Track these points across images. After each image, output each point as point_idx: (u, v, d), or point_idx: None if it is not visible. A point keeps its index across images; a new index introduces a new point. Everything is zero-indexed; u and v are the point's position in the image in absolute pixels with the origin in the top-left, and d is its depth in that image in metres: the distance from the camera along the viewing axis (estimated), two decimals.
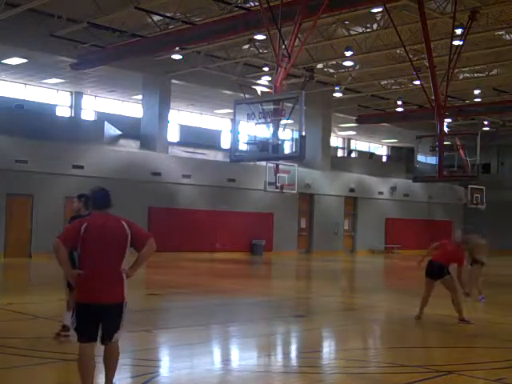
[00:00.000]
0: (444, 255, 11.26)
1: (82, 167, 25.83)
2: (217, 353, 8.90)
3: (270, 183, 27.67)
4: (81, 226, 5.66)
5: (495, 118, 39.33)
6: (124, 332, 5.79)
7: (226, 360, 8.48)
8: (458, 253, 11.38)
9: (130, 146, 29.55)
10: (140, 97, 31.43)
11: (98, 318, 5.60)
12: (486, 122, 40.29)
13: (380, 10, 21.77)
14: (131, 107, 34.77)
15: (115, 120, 31.29)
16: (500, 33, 24.33)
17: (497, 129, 41.86)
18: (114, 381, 5.81)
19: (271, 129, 16.11)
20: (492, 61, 28.00)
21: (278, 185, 27.92)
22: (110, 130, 29.44)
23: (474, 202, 34.85)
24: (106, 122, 29.11)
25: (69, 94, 32.69)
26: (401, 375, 7.45)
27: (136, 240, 5.81)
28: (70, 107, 32.75)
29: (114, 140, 29.69)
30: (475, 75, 30.95)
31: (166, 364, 7.64)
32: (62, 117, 30.47)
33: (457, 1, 19.61)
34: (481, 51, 26.06)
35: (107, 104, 34.01)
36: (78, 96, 32.74)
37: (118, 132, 30.39)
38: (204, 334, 9.72)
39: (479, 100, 35.37)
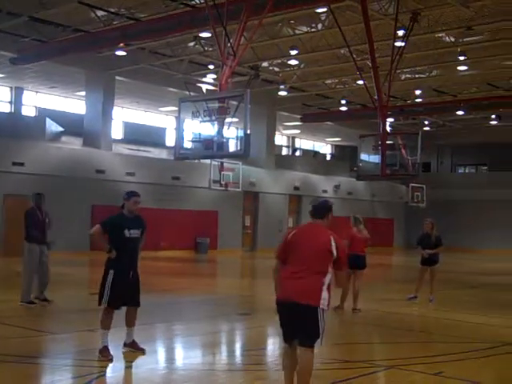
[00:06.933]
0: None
1: (22, 164, 25.24)
2: (161, 352, 8.87)
3: (214, 181, 27.64)
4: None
5: (435, 118, 40.25)
6: None
7: (170, 359, 8.46)
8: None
9: (73, 143, 29.04)
10: (83, 93, 30.90)
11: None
12: (426, 122, 41.17)
13: (325, 10, 21.95)
14: (74, 103, 34.16)
15: (57, 116, 30.68)
16: (440, 35, 24.86)
17: (437, 129, 42.85)
18: None
19: (216, 127, 16.07)
20: (432, 62, 28.60)
21: (223, 183, 27.95)
22: (52, 126, 28.86)
23: (415, 200, 35.65)
24: (47, 119, 28.53)
25: (8, 89, 31.92)
26: (343, 371, 7.58)
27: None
28: (10, 103, 31.99)
29: (56, 137, 29.11)
30: (416, 76, 31.57)
31: (110, 364, 7.56)
32: (2, 112, 29.72)
33: (398, 2, 19.96)
34: (422, 52, 26.58)
35: (49, 100, 33.35)
36: (18, 91, 31.98)
37: (60, 129, 29.82)
38: (148, 332, 9.65)
39: (420, 100, 36.12)
